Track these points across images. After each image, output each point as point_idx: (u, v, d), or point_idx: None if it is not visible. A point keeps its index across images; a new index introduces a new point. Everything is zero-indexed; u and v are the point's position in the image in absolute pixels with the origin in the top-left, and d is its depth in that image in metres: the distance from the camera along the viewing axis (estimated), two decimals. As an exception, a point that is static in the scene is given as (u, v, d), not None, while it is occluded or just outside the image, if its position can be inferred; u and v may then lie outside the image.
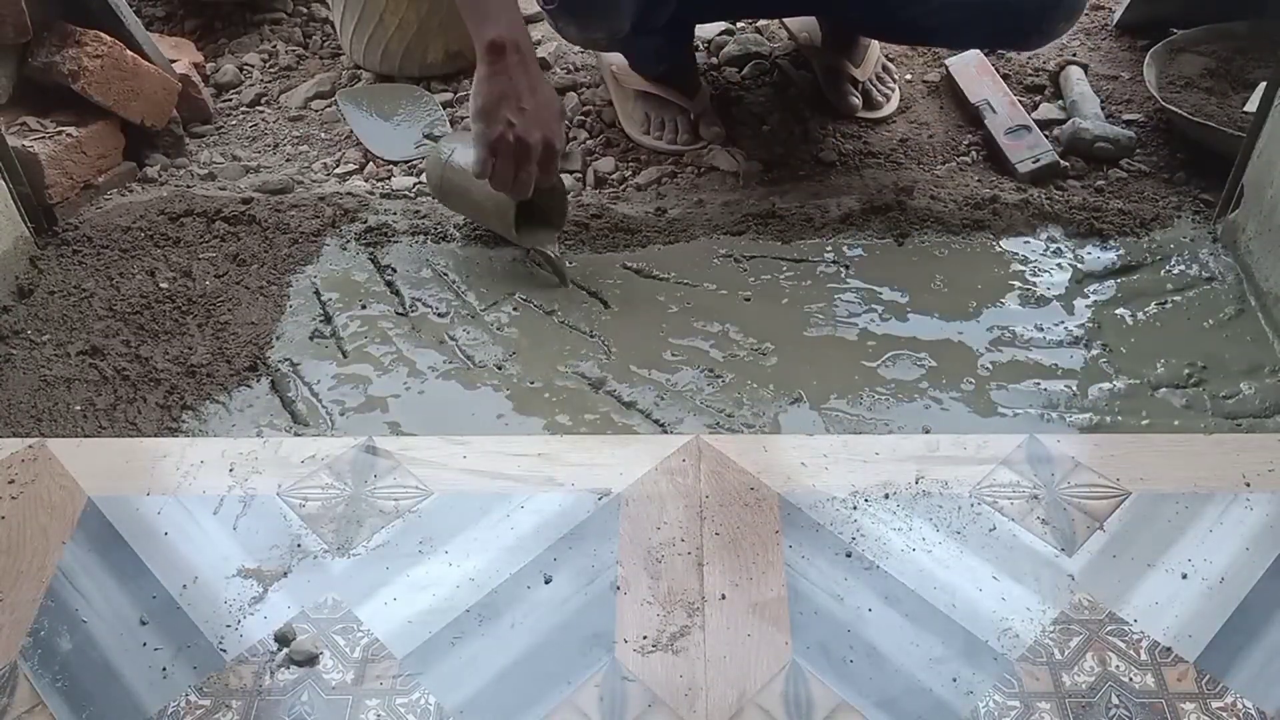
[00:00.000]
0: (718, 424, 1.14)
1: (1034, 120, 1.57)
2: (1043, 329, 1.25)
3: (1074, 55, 1.75)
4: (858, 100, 1.63)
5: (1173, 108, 1.50)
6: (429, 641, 0.90)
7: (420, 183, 1.54)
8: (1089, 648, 0.89)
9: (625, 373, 1.21)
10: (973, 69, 1.67)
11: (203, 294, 1.31)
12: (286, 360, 1.23)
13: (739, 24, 1.82)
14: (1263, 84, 1.32)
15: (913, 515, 0.99)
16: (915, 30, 1.56)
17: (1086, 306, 1.29)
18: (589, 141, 1.62)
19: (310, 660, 0.88)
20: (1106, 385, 1.18)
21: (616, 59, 1.61)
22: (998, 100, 1.60)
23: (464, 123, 1.62)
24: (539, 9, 1.37)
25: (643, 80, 1.59)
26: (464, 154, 1.31)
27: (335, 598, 0.94)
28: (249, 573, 0.96)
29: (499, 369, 1.22)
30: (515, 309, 1.30)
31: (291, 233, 1.41)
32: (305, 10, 1.95)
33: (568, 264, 1.35)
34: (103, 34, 1.46)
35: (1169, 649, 0.88)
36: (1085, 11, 1.90)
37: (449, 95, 1.73)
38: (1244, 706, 0.84)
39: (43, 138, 1.41)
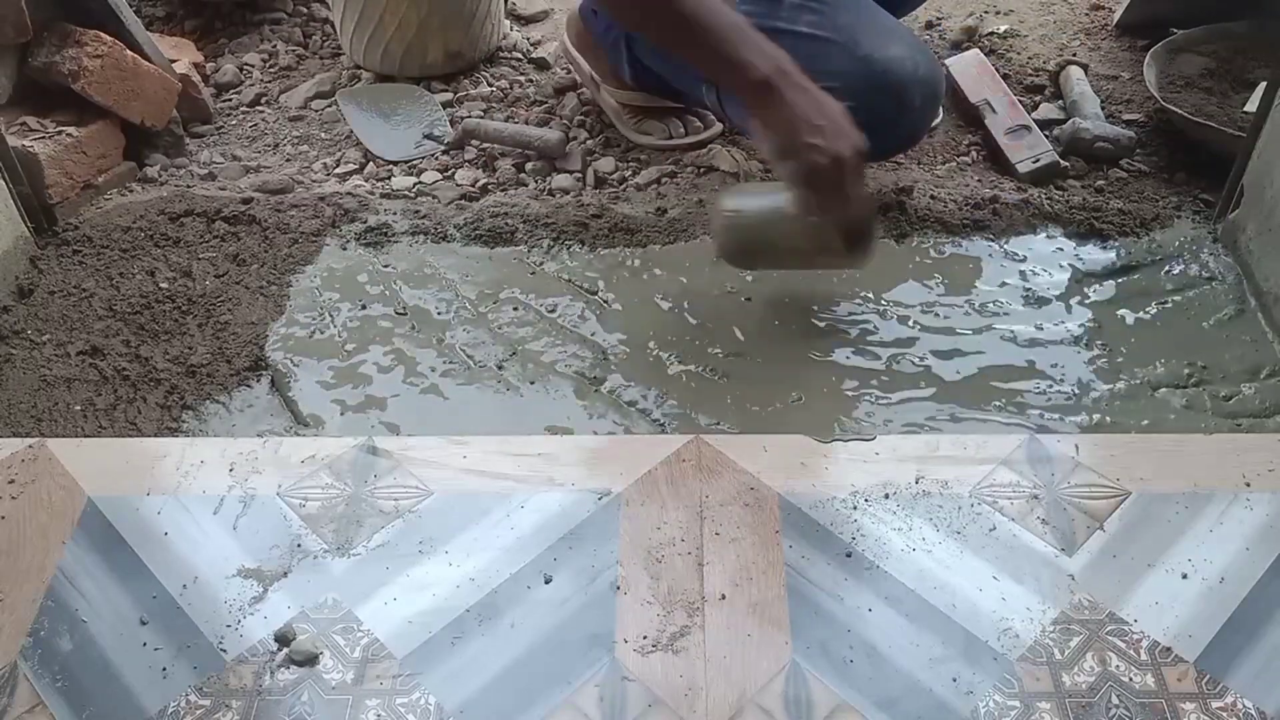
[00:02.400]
0: (718, 424, 1.14)
1: (1034, 120, 1.57)
2: (1043, 329, 1.25)
3: (1074, 55, 1.75)
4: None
5: (1173, 108, 1.50)
6: (429, 641, 0.90)
7: (420, 182, 1.54)
8: (1089, 648, 0.89)
9: (625, 373, 1.21)
10: (973, 69, 1.67)
11: (203, 294, 1.31)
12: (286, 360, 1.23)
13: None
14: (1263, 84, 1.32)
15: (913, 515, 0.99)
16: None
17: (1086, 306, 1.29)
18: (589, 141, 1.62)
19: (310, 660, 0.88)
20: (1106, 385, 1.18)
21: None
22: (998, 100, 1.60)
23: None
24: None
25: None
26: (759, 202, 1.23)
27: (335, 598, 0.94)
28: (249, 573, 0.96)
29: (499, 369, 1.22)
30: (515, 309, 1.30)
31: (291, 233, 1.41)
32: (305, 10, 1.95)
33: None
34: (103, 34, 1.46)
35: (1169, 649, 0.88)
36: (1086, 12, 1.90)
37: (449, 95, 1.73)
38: (1244, 706, 0.84)
39: (43, 138, 1.41)
